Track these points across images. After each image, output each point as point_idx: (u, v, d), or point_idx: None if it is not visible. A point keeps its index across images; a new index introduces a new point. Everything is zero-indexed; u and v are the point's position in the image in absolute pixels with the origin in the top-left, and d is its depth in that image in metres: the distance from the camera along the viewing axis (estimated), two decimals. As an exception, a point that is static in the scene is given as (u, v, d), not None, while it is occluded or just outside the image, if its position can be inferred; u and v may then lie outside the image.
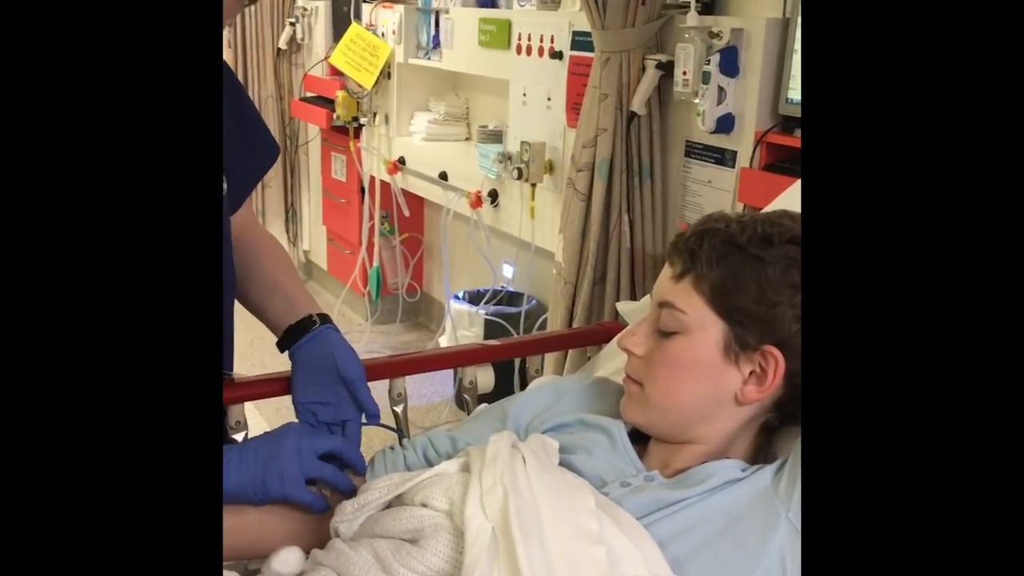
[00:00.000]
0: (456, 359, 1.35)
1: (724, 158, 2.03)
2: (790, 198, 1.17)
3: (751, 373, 0.90)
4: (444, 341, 3.10)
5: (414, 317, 3.89)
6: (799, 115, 1.85)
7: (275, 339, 1.16)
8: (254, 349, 1.15)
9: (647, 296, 1.21)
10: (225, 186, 1.07)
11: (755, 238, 0.89)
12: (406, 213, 3.47)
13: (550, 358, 2.25)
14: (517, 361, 2.51)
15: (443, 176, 3.08)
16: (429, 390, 3.16)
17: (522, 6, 2.74)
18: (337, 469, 1.00)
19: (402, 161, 3.33)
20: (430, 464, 1.02)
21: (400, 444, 1.08)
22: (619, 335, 1.01)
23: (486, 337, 2.94)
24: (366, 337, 3.66)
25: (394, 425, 1.26)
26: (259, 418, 2.42)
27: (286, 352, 1.13)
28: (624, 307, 1.28)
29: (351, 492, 0.97)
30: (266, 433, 1.03)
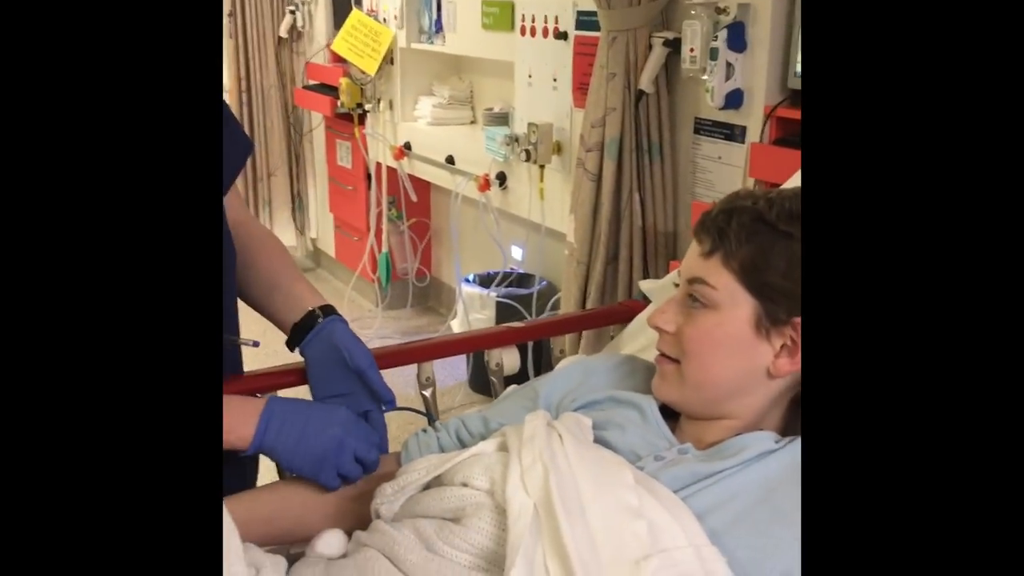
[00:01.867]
0: (482, 342, 1.37)
1: (734, 134, 2.03)
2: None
3: (782, 346, 0.91)
4: (456, 325, 3.12)
5: (424, 302, 3.90)
6: (808, 88, 1.85)
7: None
8: (267, 339, 1.15)
9: (670, 274, 1.22)
10: None
11: (783, 214, 0.90)
12: (413, 198, 3.48)
13: (568, 339, 2.26)
14: (530, 344, 2.54)
15: (450, 160, 3.09)
16: (443, 373, 3.18)
17: (525, -13, 2.74)
18: (361, 472, 1.03)
19: (408, 146, 3.33)
20: (464, 445, 1.04)
21: (432, 427, 1.10)
22: (649, 313, 1.02)
23: (498, 320, 2.95)
24: (377, 323, 3.67)
25: (423, 408, 1.28)
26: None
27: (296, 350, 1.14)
28: (646, 285, 1.29)
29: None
30: (316, 405, 1.05)
